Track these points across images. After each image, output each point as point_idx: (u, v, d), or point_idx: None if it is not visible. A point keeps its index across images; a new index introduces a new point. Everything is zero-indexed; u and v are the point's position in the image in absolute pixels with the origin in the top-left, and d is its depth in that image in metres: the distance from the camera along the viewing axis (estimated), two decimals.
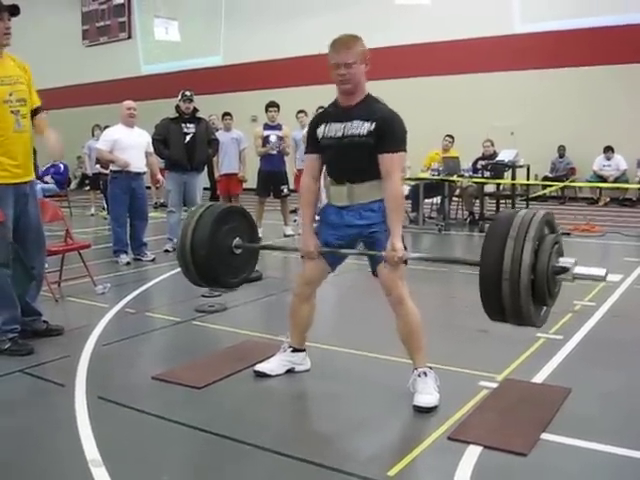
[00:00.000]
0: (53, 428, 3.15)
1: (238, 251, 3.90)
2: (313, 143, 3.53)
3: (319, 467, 2.66)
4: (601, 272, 2.83)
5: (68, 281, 6.01)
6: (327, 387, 3.67)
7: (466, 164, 10.80)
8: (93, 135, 13.26)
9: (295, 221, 9.82)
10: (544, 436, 2.90)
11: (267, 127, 9.24)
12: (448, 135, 11.32)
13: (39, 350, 4.35)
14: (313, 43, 15.51)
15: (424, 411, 3.19)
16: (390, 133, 3.26)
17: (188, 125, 8.24)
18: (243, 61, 16.88)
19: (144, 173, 7.57)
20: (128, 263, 7.32)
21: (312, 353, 4.15)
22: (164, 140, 8.11)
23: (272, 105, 9.40)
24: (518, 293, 2.71)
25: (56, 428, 3.14)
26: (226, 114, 10.53)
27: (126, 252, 7.46)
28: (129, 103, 7.50)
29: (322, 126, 3.43)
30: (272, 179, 9.35)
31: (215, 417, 3.23)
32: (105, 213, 12.67)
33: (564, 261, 2.88)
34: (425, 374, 3.32)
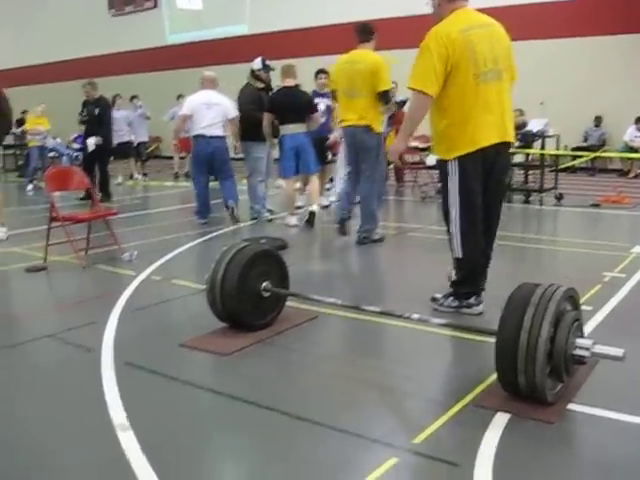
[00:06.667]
0: (80, 392, 3.18)
1: (267, 294, 3.89)
2: None
3: (344, 433, 2.66)
4: (619, 352, 2.78)
5: (95, 249, 6.05)
6: (354, 356, 3.66)
7: None
8: (114, 105, 13.11)
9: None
10: (571, 406, 2.87)
11: None
12: None
13: (66, 316, 4.41)
14: (342, 12, 15.30)
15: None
16: None
17: None
18: (269, 30, 16.72)
19: None
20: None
21: (339, 322, 4.16)
22: (259, 109, 7.79)
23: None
24: (533, 367, 2.70)
25: (83, 392, 3.17)
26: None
27: None
28: None
29: None
30: None
31: (242, 384, 3.23)
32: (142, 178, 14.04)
33: (582, 343, 2.86)
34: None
